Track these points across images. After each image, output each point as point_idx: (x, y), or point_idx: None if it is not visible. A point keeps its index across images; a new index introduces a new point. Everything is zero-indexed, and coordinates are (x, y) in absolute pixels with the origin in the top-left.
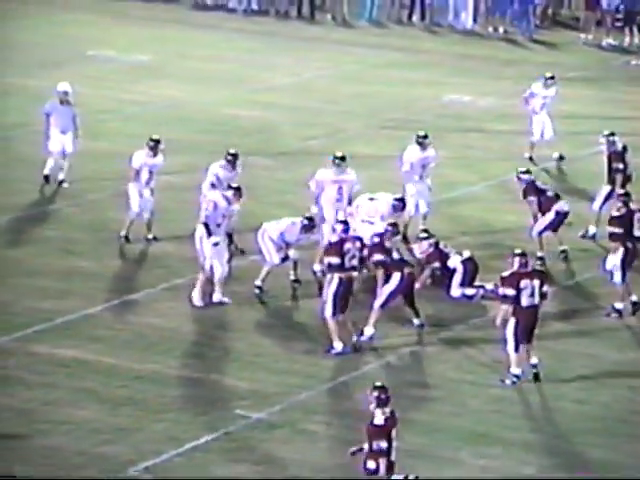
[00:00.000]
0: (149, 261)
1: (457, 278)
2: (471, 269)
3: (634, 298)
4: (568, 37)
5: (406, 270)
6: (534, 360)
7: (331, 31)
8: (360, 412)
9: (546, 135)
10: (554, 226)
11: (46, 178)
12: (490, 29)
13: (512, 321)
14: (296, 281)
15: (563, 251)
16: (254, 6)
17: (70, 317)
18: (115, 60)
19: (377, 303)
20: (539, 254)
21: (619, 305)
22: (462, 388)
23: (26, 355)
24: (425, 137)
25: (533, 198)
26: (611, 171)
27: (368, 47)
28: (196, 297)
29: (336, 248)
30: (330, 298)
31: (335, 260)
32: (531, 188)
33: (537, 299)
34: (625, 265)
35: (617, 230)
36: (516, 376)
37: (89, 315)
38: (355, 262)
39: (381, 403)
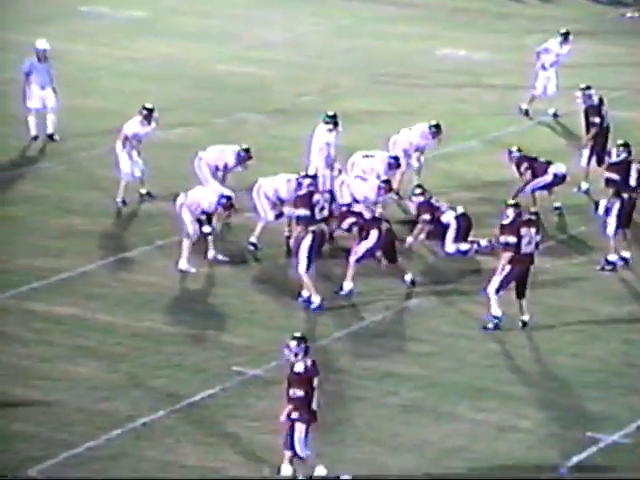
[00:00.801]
0: (143, 219)
1: (451, 234)
2: (465, 225)
3: (625, 254)
4: None
5: (383, 227)
6: (526, 317)
7: None
8: (356, 368)
9: (549, 90)
10: (549, 187)
11: (35, 138)
12: None
13: (507, 268)
14: (290, 237)
15: (557, 208)
16: None
17: (66, 275)
18: (108, 16)
19: (352, 258)
20: (532, 209)
21: (612, 257)
22: (458, 343)
23: (23, 313)
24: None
25: (527, 165)
26: (588, 125)
27: (361, 1)
28: (184, 263)
29: (304, 200)
30: (304, 254)
31: (304, 212)
32: (523, 159)
33: (533, 247)
34: (620, 217)
35: (614, 176)
36: (496, 317)
37: (85, 273)
38: (325, 213)
39: (302, 353)
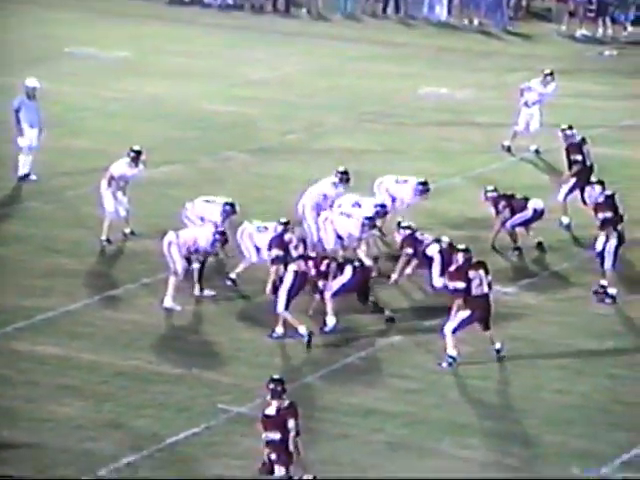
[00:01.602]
0: (128, 257)
1: (436, 268)
2: (449, 257)
3: (604, 282)
4: (542, 28)
5: (356, 264)
6: (497, 345)
7: (307, 25)
8: (342, 405)
9: (532, 127)
10: (529, 223)
11: (23, 177)
12: (465, 21)
13: (466, 312)
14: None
15: (539, 243)
16: (229, 0)
17: (51, 314)
18: (94, 57)
19: (328, 294)
20: (515, 245)
21: (612, 290)
22: (443, 379)
23: (8, 353)
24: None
25: (505, 203)
26: (570, 163)
27: (344, 40)
28: (169, 301)
29: (277, 241)
30: (284, 293)
31: (276, 252)
32: (500, 198)
33: (486, 288)
34: (617, 250)
35: (608, 214)
36: (452, 357)
37: (70, 312)
38: (301, 250)
39: (276, 395)
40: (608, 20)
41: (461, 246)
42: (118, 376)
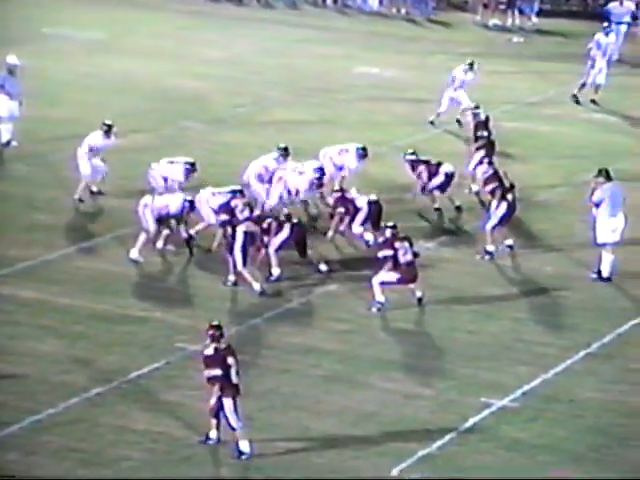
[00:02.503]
0: (100, 214)
1: (360, 216)
2: (375, 211)
3: (509, 242)
4: (460, 18)
5: (294, 222)
6: (419, 294)
7: (255, 11)
8: (284, 344)
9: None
10: (444, 187)
11: (7, 143)
12: (393, 10)
13: (395, 275)
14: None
15: (458, 207)
16: None
17: (31, 263)
18: (70, 37)
19: (271, 249)
20: (435, 206)
21: (490, 248)
22: (371, 322)
23: None
24: None
25: (422, 167)
26: (477, 138)
27: (287, 25)
28: (135, 252)
29: (225, 207)
30: (239, 252)
31: (224, 217)
32: (417, 162)
33: (410, 256)
34: (505, 216)
35: (495, 185)
36: (380, 302)
37: (48, 261)
38: (247, 213)
39: (215, 339)
40: (516, 12)
41: (389, 223)
42: (90, 318)
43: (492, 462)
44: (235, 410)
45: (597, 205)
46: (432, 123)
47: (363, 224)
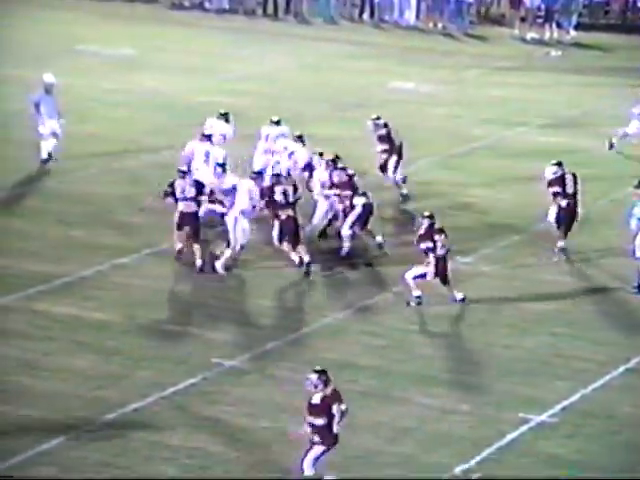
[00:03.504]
0: (134, 230)
1: (352, 217)
2: (367, 214)
3: (560, 244)
4: (497, 32)
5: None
6: (460, 295)
7: (292, 27)
8: (321, 359)
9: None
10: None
11: (45, 161)
12: (430, 25)
13: (430, 269)
14: None
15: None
16: (225, 5)
17: (67, 279)
18: (101, 54)
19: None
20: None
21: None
22: (408, 337)
23: (28, 312)
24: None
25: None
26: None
27: (324, 41)
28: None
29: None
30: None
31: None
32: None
33: (444, 250)
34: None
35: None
36: (418, 297)
37: (82, 277)
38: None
39: (320, 386)
40: (554, 25)
41: (426, 213)
42: (125, 333)
43: (530, 478)
44: (317, 458)
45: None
46: (612, 146)
47: (352, 227)
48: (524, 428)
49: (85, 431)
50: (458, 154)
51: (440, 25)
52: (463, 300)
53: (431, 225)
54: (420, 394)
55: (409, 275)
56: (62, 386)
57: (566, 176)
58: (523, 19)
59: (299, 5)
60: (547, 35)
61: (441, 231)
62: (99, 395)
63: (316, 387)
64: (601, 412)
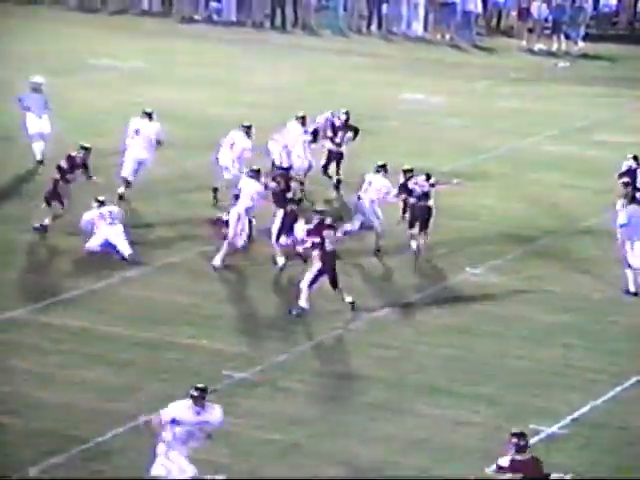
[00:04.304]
0: (145, 243)
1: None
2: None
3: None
4: (505, 43)
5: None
6: (349, 299)
7: (301, 39)
8: (331, 371)
9: None
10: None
11: (40, 162)
12: (438, 36)
13: (317, 265)
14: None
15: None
16: (233, 18)
17: (78, 292)
18: (114, 68)
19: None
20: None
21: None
22: (418, 349)
23: (41, 325)
24: None
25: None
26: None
27: (334, 53)
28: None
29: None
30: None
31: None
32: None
33: (331, 247)
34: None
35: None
36: (302, 309)
37: (94, 290)
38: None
39: (520, 449)
40: (562, 36)
41: (318, 208)
42: (137, 345)
43: None
44: None
45: (623, 226)
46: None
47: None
48: (535, 439)
49: (97, 443)
50: (468, 164)
51: (448, 36)
52: (353, 305)
53: (321, 221)
54: (431, 406)
55: (304, 284)
56: (74, 398)
57: (638, 171)
58: (531, 30)
59: (307, 17)
60: (555, 46)
61: (331, 227)
62: (111, 408)
63: (516, 451)
64: (613, 424)
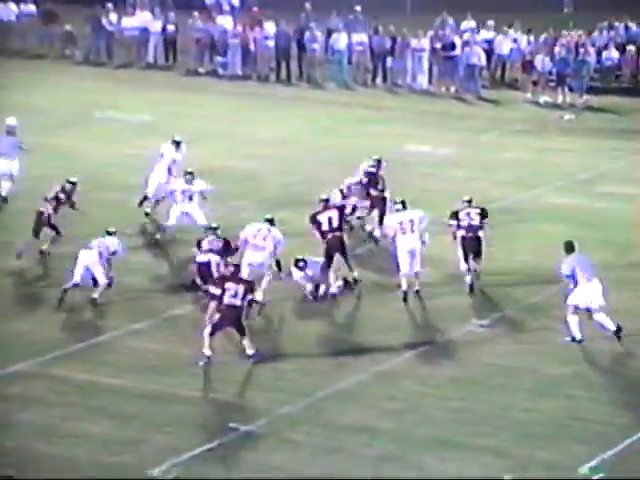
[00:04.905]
0: (147, 297)
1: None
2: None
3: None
4: (510, 96)
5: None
6: (250, 351)
7: (306, 92)
8: (337, 423)
9: None
10: None
11: (4, 199)
12: (443, 89)
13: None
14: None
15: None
16: (238, 72)
17: (82, 344)
18: (120, 120)
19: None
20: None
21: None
22: (425, 401)
23: (46, 378)
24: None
25: None
26: None
27: (339, 105)
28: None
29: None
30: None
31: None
32: None
33: (239, 301)
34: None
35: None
36: (208, 357)
37: (98, 343)
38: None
39: None
40: (566, 89)
41: (230, 260)
42: (141, 398)
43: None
44: None
45: (568, 277)
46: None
47: None
48: None
49: None
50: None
51: (453, 89)
52: (253, 356)
53: (234, 272)
54: (437, 458)
55: (206, 331)
56: (80, 452)
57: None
58: (535, 83)
59: (312, 70)
60: (560, 99)
61: (241, 281)
62: (115, 461)
63: None
64: (622, 477)
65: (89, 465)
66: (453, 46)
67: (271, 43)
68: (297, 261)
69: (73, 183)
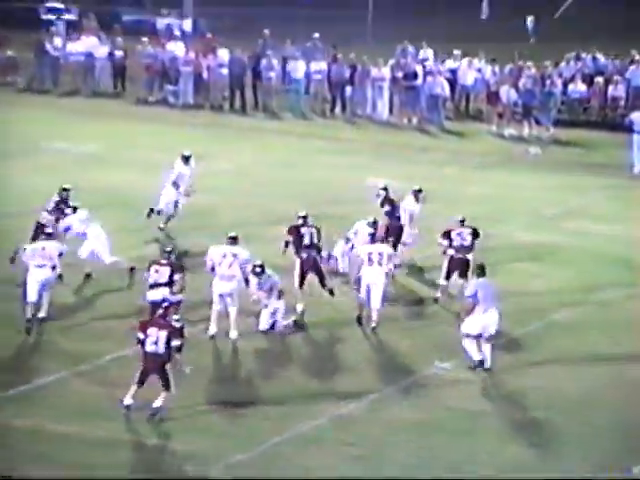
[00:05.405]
0: (96, 335)
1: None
2: None
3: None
4: (474, 128)
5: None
6: (156, 403)
7: (261, 122)
8: (302, 467)
9: None
10: None
11: None
12: (405, 120)
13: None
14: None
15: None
16: (190, 101)
17: (25, 387)
18: (66, 151)
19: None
20: None
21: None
22: (386, 448)
23: None
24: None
25: None
26: None
27: (295, 136)
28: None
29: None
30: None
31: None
32: None
33: (161, 349)
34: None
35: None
36: (127, 406)
37: (41, 386)
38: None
39: None
40: (532, 121)
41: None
42: (84, 444)
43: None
44: None
45: (470, 297)
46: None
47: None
48: None
49: None
50: (435, 252)
51: (415, 120)
52: (154, 410)
53: (164, 315)
54: None
55: (133, 379)
56: None
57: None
58: (500, 115)
59: (268, 100)
60: (526, 131)
61: (163, 326)
62: None
63: None
64: None
65: None
66: (415, 75)
67: (225, 71)
68: (255, 267)
69: (67, 190)
